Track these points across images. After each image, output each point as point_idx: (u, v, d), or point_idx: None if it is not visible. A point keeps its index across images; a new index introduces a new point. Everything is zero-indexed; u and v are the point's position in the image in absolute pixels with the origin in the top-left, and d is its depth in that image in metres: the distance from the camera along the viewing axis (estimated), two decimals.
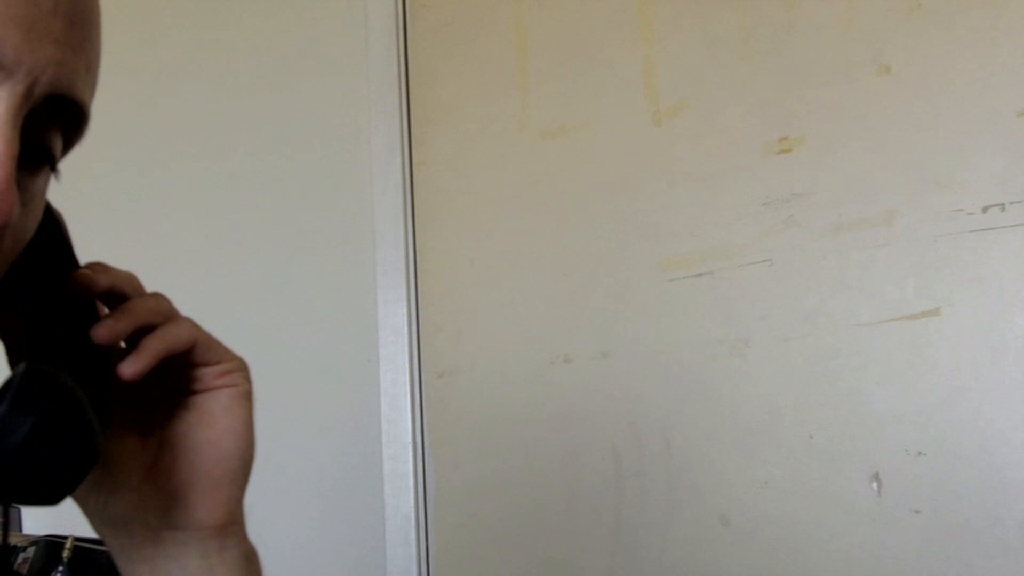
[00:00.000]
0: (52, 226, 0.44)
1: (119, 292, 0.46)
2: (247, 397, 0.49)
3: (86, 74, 0.37)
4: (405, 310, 1.36)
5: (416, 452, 1.34)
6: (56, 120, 0.37)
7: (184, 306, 0.49)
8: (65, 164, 0.40)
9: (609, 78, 1.25)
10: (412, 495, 1.33)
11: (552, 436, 1.24)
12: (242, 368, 0.49)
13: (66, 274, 0.44)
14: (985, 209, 1.00)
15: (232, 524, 0.48)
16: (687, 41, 1.20)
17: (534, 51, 1.31)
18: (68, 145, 0.39)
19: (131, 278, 0.47)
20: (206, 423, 0.48)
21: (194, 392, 0.48)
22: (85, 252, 0.46)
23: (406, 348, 1.36)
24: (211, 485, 0.47)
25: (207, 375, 0.48)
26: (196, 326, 0.47)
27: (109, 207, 1.47)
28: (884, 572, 1.03)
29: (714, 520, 1.13)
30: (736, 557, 1.11)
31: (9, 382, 0.38)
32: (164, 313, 0.46)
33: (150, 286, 0.48)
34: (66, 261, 0.45)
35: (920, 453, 1.01)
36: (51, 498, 0.38)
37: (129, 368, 0.44)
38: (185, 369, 0.48)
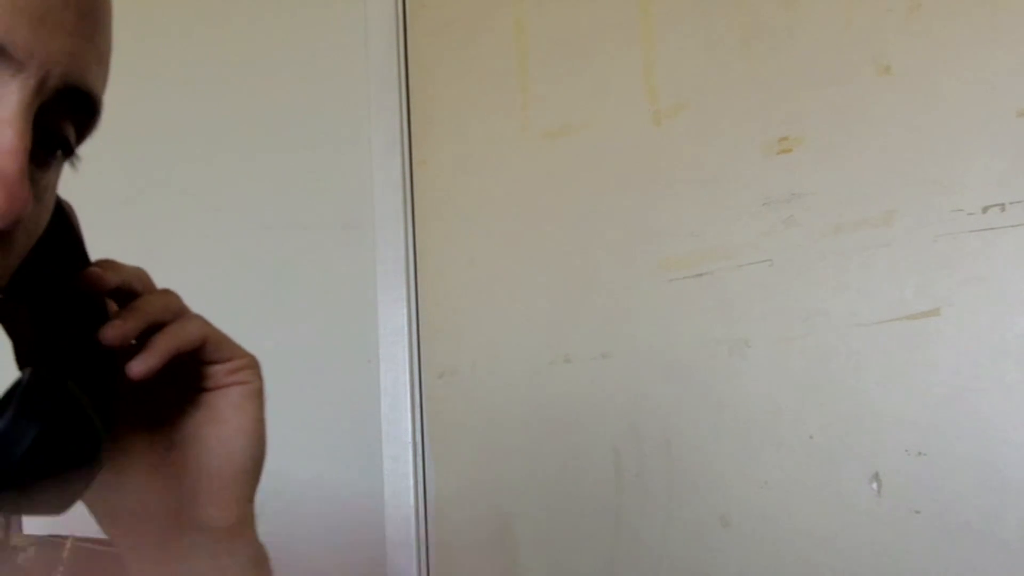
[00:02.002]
0: (63, 220, 0.43)
1: (129, 289, 0.45)
2: (258, 395, 0.48)
3: (98, 66, 0.37)
4: (405, 310, 1.36)
5: (416, 452, 1.34)
6: (68, 112, 0.37)
7: None
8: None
9: (609, 78, 1.25)
10: (412, 495, 1.33)
11: (552, 436, 1.24)
12: (253, 365, 0.48)
13: (77, 269, 0.44)
14: (985, 209, 1.00)
15: (242, 525, 0.48)
16: (687, 41, 1.20)
17: (534, 51, 1.31)
18: (80, 137, 0.39)
19: (141, 274, 0.46)
20: (216, 421, 0.47)
21: (204, 390, 0.48)
22: (88, 250, 0.46)
23: (406, 348, 1.36)
24: (221, 485, 0.47)
25: (217, 372, 0.47)
26: (206, 323, 0.47)
27: (110, 207, 1.46)
28: (884, 572, 1.03)
29: (714, 520, 1.13)
30: (736, 557, 1.11)
31: (14, 389, 0.37)
32: (174, 311, 0.46)
33: None
34: (77, 256, 0.44)
35: (920, 453, 1.01)
36: (56, 509, 0.38)
37: (138, 367, 0.43)
38: (195, 366, 0.47)
